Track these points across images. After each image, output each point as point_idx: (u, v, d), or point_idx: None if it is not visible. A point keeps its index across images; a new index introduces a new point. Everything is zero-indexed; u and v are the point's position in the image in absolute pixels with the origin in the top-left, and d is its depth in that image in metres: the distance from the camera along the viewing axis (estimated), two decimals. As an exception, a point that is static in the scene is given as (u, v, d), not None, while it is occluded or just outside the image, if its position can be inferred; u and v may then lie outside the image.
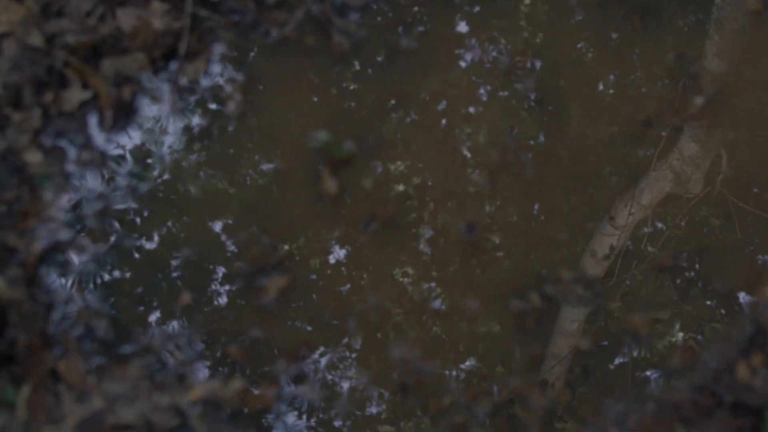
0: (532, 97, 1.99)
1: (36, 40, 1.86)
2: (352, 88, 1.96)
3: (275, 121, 1.94)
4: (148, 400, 1.74)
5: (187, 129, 1.95)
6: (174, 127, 1.94)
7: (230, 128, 1.94)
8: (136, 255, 1.88)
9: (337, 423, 1.79)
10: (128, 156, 1.92)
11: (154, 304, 1.85)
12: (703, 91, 1.97)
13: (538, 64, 2.01)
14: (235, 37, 1.95)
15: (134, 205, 1.89)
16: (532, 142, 1.98)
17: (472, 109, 1.98)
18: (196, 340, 1.82)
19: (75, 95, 1.87)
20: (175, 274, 1.88)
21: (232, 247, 1.88)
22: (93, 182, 1.88)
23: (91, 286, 1.83)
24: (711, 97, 1.96)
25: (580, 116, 1.98)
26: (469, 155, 1.97)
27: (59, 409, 1.72)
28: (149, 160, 1.93)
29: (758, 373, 1.74)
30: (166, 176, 1.93)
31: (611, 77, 2.01)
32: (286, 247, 1.88)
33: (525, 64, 2.00)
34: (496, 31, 2.05)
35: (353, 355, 1.83)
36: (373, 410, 1.80)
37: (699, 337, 1.84)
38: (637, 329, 1.82)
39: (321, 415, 1.79)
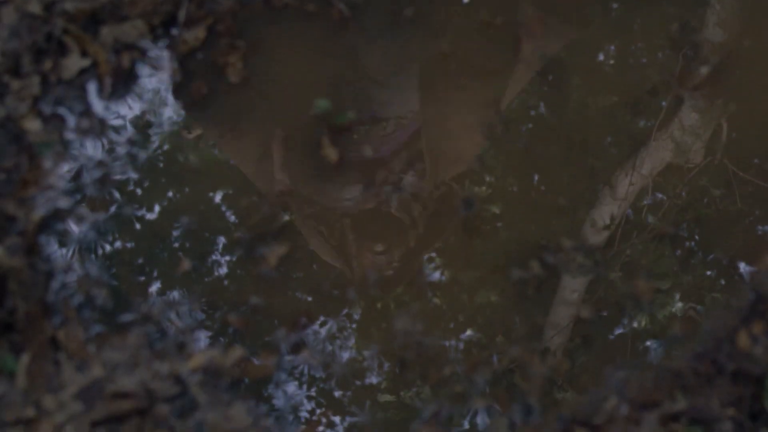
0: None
1: (35, 7, 1.85)
2: (353, 54, 1.96)
3: (276, 88, 1.94)
4: (148, 368, 1.74)
5: (187, 97, 1.94)
6: (174, 95, 1.94)
7: (230, 96, 1.94)
8: (137, 224, 1.88)
9: (338, 393, 1.80)
10: (128, 125, 1.91)
11: (154, 273, 1.85)
12: (706, 61, 1.96)
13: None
14: (235, 3, 1.94)
15: (134, 175, 1.89)
16: (532, 112, 1.97)
17: (472, 78, 1.97)
18: (196, 309, 1.82)
19: (74, 63, 1.86)
20: (175, 244, 1.88)
21: (232, 217, 1.88)
22: (92, 151, 1.88)
23: (91, 255, 1.83)
24: (714, 66, 1.96)
25: (581, 86, 1.97)
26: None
27: (59, 377, 1.72)
28: (149, 130, 1.93)
29: (759, 341, 1.74)
30: (166, 146, 1.93)
31: (612, 47, 2.01)
32: (287, 216, 1.87)
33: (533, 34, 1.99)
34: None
35: (353, 325, 1.83)
36: (373, 380, 1.80)
37: (699, 306, 1.84)
38: (639, 294, 1.82)
39: (321, 385, 1.79)
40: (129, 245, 1.86)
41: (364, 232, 1.86)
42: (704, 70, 1.95)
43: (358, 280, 1.82)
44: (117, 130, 1.90)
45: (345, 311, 1.84)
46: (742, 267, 1.87)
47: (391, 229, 1.87)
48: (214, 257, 1.86)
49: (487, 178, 1.93)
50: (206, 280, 1.84)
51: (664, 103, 1.99)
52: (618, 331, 1.83)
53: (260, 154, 1.90)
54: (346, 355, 1.81)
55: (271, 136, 1.89)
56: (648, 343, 1.81)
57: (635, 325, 1.82)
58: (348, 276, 1.84)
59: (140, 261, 1.86)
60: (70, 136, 1.87)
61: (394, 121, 1.88)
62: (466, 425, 1.76)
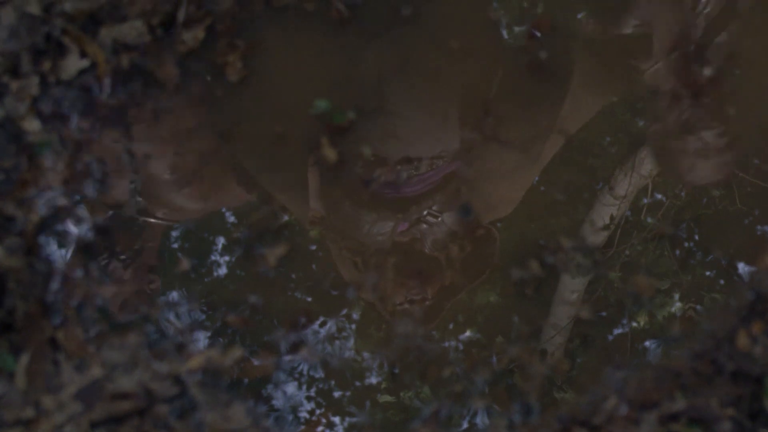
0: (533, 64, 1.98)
1: (34, 8, 1.85)
2: (352, 54, 1.96)
3: (275, 88, 1.94)
4: (148, 368, 1.74)
5: (186, 97, 1.94)
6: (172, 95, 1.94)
7: (230, 96, 1.93)
8: (135, 225, 1.88)
9: (337, 393, 1.79)
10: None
11: (153, 273, 1.85)
12: (709, 62, 1.96)
13: (537, 34, 2.00)
14: (235, 3, 1.94)
15: (133, 174, 1.89)
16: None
17: (470, 78, 1.97)
18: (195, 309, 1.82)
19: (73, 63, 1.86)
20: (174, 244, 1.88)
21: (232, 217, 1.88)
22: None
23: (91, 255, 1.83)
24: (718, 67, 1.96)
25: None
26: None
27: (58, 377, 1.72)
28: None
29: (758, 341, 1.74)
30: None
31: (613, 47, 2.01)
32: (286, 217, 1.87)
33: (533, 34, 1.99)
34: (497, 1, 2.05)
35: (352, 326, 1.83)
36: (373, 380, 1.80)
37: (698, 306, 1.84)
38: (639, 292, 1.82)
39: (321, 385, 1.79)
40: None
41: (400, 268, 1.86)
42: (707, 71, 1.95)
43: (389, 315, 1.82)
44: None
45: (344, 311, 1.84)
46: (742, 267, 1.87)
47: (427, 267, 1.86)
48: (213, 257, 1.86)
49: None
50: (205, 280, 1.84)
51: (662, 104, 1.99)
52: (617, 331, 1.83)
53: (294, 180, 1.89)
54: (345, 356, 1.81)
55: (306, 163, 1.89)
56: (647, 343, 1.81)
57: (635, 325, 1.82)
58: (379, 311, 1.84)
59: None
60: (69, 136, 1.87)
61: (428, 160, 1.88)
62: (466, 425, 1.76)
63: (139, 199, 1.85)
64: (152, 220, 1.84)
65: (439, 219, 1.86)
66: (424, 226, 1.86)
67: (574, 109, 1.93)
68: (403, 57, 1.93)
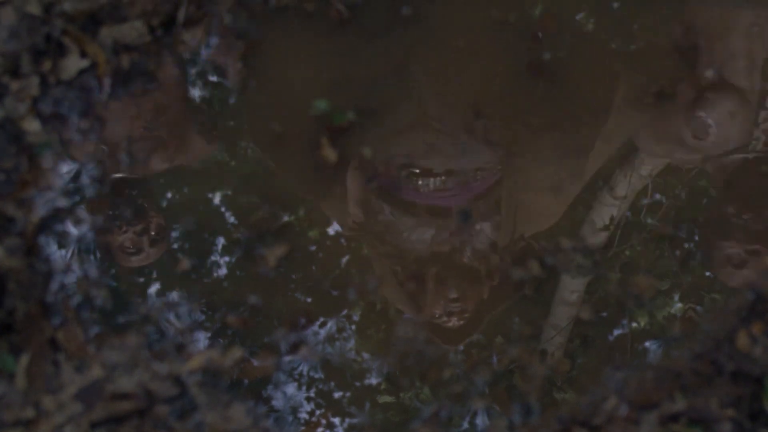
0: (533, 66, 1.98)
1: (34, 8, 1.85)
2: (351, 55, 1.96)
3: (275, 89, 1.94)
4: (147, 369, 1.74)
5: (187, 98, 1.94)
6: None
7: (230, 97, 1.94)
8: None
9: (337, 394, 1.79)
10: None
11: (153, 274, 1.85)
12: (712, 63, 1.96)
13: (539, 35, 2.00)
14: (235, 4, 1.94)
15: (133, 175, 1.89)
16: (532, 111, 1.97)
17: (471, 78, 1.97)
18: (195, 310, 1.82)
19: (73, 64, 1.86)
20: (174, 245, 1.88)
21: (232, 218, 1.88)
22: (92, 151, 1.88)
23: (90, 255, 1.83)
24: (718, 69, 1.95)
25: (581, 86, 1.97)
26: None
27: (58, 378, 1.72)
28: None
29: (758, 341, 1.74)
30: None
31: (613, 46, 2.00)
32: (286, 217, 1.87)
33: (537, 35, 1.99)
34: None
35: (353, 326, 1.83)
36: (373, 381, 1.80)
37: (698, 307, 1.84)
38: (639, 292, 1.82)
39: (321, 386, 1.79)
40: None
41: (440, 277, 1.84)
42: (710, 73, 1.95)
43: (425, 325, 1.81)
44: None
45: (344, 312, 1.84)
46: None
47: (466, 277, 1.85)
48: (213, 258, 1.86)
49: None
50: (205, 280, 1.84)
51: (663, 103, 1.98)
52: (617, 331, 1.83)
53: (332, 185, 1.89)
54: (345, 357, 1.81)
55: (346, 168, 1.88)
56: (647, 343, 1.81)
57: (635, 325, 1.82)
58: (416, 320, 1.82)
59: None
60: (69, 136, 1.87)
61: (471, 172, 1.87)
62: (466, 426, 1.76)
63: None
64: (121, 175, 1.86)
65: (479, 228, 1.85)
66: (465, 234, 1.85)
67: (618, 124, 1.93)
68: (429, 65, 1.92)
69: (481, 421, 1.76)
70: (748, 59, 1.93)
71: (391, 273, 1.84)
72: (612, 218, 1.90)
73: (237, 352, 1.78)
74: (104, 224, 1.83)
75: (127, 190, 1.86)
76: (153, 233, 1.83)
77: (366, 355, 1.81)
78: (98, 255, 1.82)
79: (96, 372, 1.72)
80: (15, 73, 1.84)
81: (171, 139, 1.88)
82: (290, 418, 1.77)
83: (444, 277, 1.84)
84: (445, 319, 1.81)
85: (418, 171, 1.87)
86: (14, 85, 1.83)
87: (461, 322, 1.81)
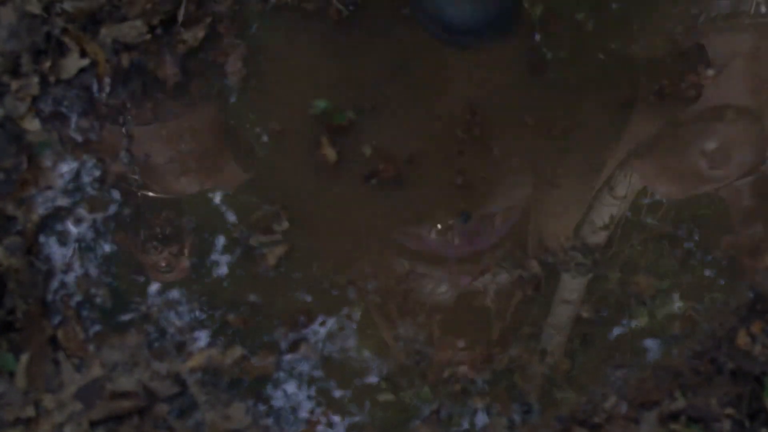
0: (532, 65, 1.98)
1: (34, 7, 1.86)
2: (351, 54, 1.96)
3: (274, 88, 1.94)
4: (147, 368, 1.74)
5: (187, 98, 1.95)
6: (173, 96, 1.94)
7: (230, 96, 1.94)
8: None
9: (337, 393, 1.80)
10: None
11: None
12: (712, 63, 1.96)
13: (536, 36, 2.00)
14: (235, 3, 1.94)
15: (134, 175, 1.89)
16: (530, 110, 1.97)
17: (470, 76, 1.97)
18: (195, 309, 1.82)
19: (73, 63, 1.86)
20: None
21: (232, 217, 1.88)
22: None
23: (90, 254, 1.83)
24: (720, 68, 1.95)
25: (580, 86, 1.97)
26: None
27: (58, 377, 1.72)
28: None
29: (758, 340, 1.74)
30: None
31: (612, 46, 2.00)
32: (286, 218, 1.87)
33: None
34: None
35: (353, 325, 1.83)
36: (373, 379, 1.80)
37: (698, 306, 1.84)
38: (639, 290, 1.82)
39: (320, 385, 1.79)
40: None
41: (449, 326, 1.83)
42: (710, 72, 1.95)
43: (428, 384, 1.80)
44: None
45: (344, 311, 1.84)
46: (741, 267, 1.87)
47: (475, 322, 1.83)
48: (213, 257, 1.86)
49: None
50: (205, 280, 1.84)
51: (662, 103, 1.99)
52: (617, 330, 1.83)
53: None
54: (346, 355, 1.81)
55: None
56: (647, 342, 1.81)
57: (635, 324, 1.82)
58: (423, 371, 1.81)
59: (140, 260, 1.86)
60: (69, 135, 1.87)
61: (502, 213, 1.87)
62: (466, 425, 1.76)
63: (136, 177, 1.86)
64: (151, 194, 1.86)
65: (506, 265, 1.84)
66: (488, 276, 1.83)
67: (633, 137, 1.93)
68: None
69: (480, 420, 1.76)
70: (754, 80, 1.93)
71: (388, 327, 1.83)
72: (612, 218, 1.90)
73: (237, 351, 1.78)
74: (140, 244, 1.84)
75: (160, 211, 1.86)
76: (187, 253, 1.83)
77: (366, 354, 1.81)
78: (129, 269, 1.83)
79: (96, 371, 1.73)
80: (15, 72, 1.85)
81: (203, 164, 1.88)
82: (290, 417, 1.77)
83: (453, 324, 1.82)
84: (454, 370, 1.80)
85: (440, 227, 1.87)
86: (14, 85, 1.84)
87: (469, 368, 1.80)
